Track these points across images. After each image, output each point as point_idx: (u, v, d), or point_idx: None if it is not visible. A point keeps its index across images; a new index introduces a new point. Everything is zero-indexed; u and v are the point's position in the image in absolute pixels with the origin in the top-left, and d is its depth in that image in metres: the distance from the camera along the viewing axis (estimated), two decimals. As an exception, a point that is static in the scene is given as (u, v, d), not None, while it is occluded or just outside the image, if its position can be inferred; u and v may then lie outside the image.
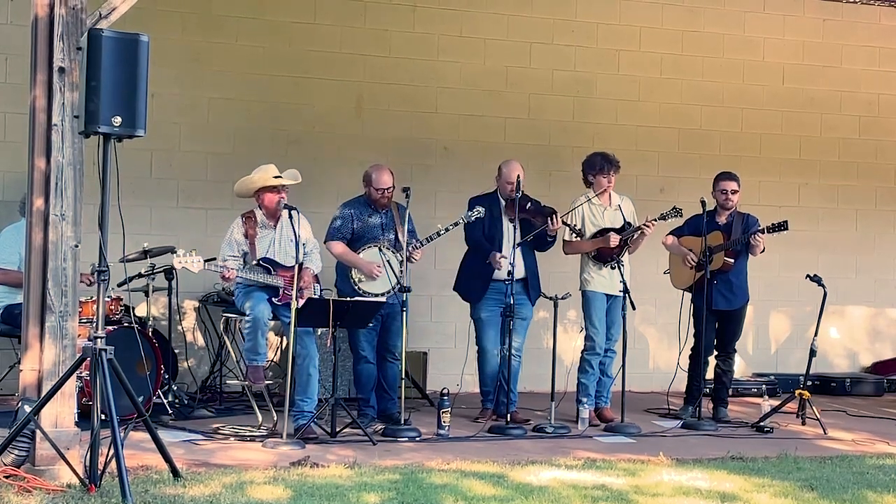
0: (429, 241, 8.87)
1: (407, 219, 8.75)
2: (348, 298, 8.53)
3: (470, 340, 9.29)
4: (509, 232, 9.18)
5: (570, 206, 9.40)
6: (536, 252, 9.31)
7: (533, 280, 9.25)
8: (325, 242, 8.87)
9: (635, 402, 9.77)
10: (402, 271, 8.66)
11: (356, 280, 8.76)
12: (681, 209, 9.39)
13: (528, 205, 9.13)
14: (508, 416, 8.83)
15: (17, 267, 8.46)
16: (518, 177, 8.96)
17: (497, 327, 9.20)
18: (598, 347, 9.33)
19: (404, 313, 8.55)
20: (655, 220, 9.26)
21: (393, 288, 8.67)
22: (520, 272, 9.09)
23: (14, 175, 8.69)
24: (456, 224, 8.94)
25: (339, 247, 8.83)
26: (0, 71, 9.77)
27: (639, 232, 9.27)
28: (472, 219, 8.95)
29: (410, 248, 8.74)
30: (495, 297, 9.14)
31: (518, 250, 9.04)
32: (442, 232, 8.88)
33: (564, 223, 9.20)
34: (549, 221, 9.05)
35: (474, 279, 9.23)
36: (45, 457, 6.37)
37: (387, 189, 8.84)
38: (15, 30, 9.29)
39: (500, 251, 9.09)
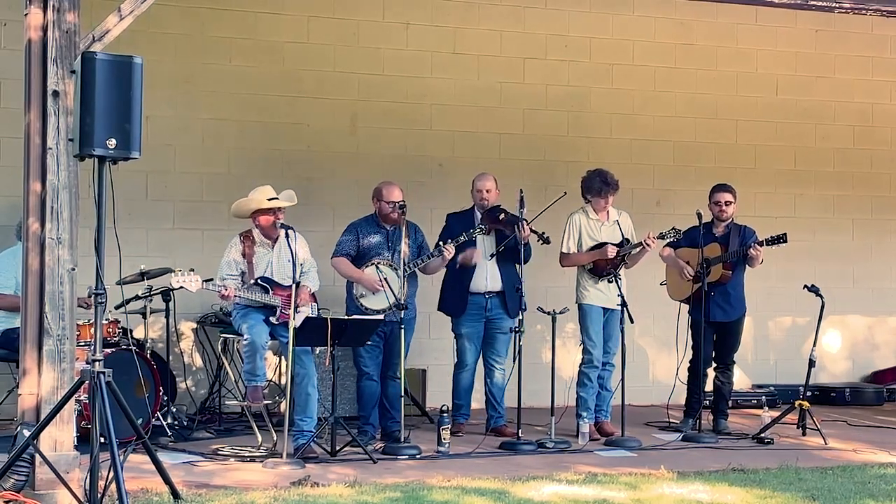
0: (427, 260, 8.90)
1: (415, 232, 8.94)
2: (347, 317, 8.52)
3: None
4: (485, 243, 9.23)
5: (567, 222, 9.40)
6: (525, 266, 9.19)
7: (511, 293, 9.15)
8: (331, 259, 8.92)
9: (635, 415, 9.76)
10: (401, 288, 8.66)
11: (358, 295, 8.79)
12: (680, 230, 9.38)
13: (502, 216, 9.15)
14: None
15: (13, 291, 8.44)
16: (520, 194, 8.94)
17: (478, 342, 9.29)
18: (596, 360, 9.32)
19: (402, 331, 8.55)
20: (655, 239, 9.25)
21: (391, 306, 8.66)
22: (496, 285, 9.17)
23: (10, 199, 8.68)
24: (458, 239, 8.95)
25: (339, 262, 8.88)
26: (-5, 95, 9.79)
27: (638, 248, 9.25)
28: (475, 235, 9.01)
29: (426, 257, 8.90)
30: (475, 311, 9.23)
31: (494, 263, 9.14)
32: (455, 242, 8.95)
33: (533, 231, 9.08)
34: (517, 229, 8.97)
35: (452, 292, 9.32)
36: (44, 481, 6.36)
37: (397, 203, 8.84)
38: (9, 54, 9.29)
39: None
